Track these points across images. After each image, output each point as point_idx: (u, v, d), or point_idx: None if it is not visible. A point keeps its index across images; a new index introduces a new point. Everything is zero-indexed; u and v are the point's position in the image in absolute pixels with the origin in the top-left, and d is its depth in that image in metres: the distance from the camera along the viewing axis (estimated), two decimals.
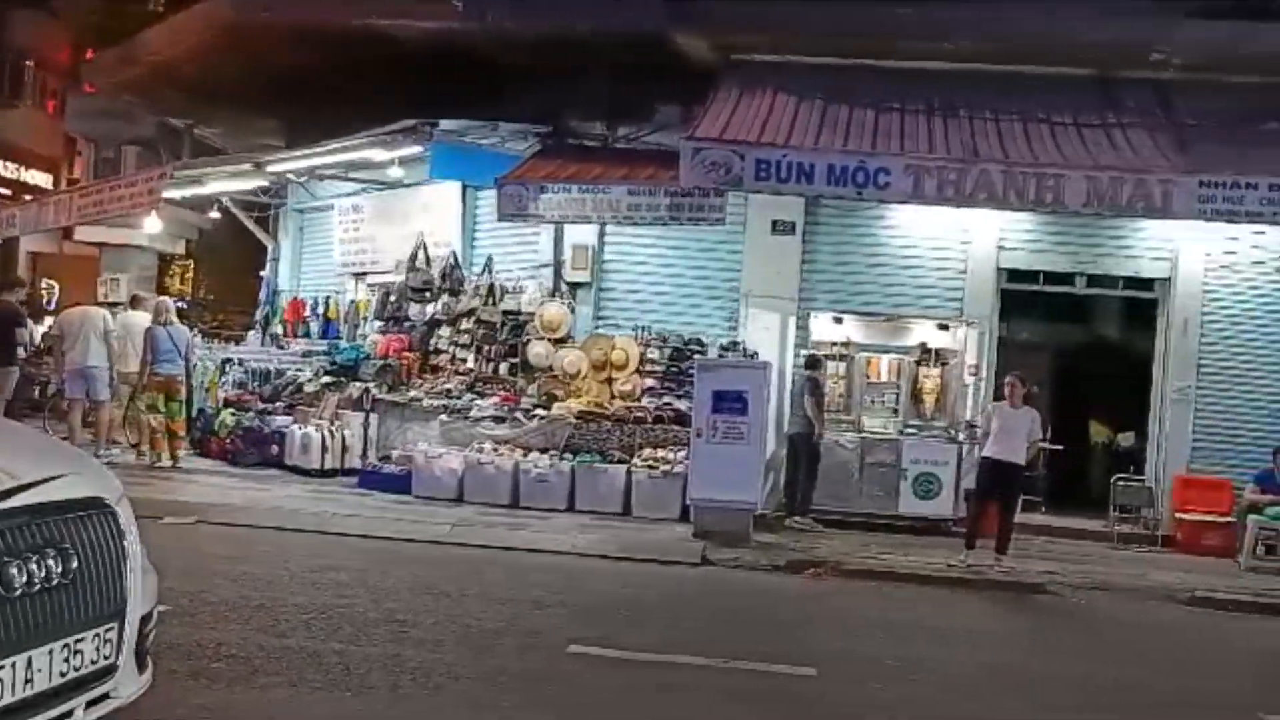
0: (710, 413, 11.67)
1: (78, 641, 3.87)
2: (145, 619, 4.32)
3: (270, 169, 16.54)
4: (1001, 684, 7.41)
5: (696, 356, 13.52)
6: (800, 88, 13.12)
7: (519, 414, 13.72)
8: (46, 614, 3.73)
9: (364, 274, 17.59)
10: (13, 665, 3.56)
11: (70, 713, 3.86)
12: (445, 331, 15.50)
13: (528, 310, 14.72)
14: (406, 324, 15.95)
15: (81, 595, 3.90)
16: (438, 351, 15.54)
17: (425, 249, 15.76)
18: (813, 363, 13.33)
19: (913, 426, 13.73)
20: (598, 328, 14.65)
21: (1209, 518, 13.29)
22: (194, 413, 15.25)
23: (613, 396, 13.93)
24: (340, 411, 14.60)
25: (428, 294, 15.68)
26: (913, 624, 8.97)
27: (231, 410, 15.17)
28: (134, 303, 15.10)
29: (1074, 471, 15.01)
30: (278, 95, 15.80)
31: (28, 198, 21.76)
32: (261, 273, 19.96)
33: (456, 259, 15.58)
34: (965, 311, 13.96)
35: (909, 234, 14.11)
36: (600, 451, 13.06)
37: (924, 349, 13.92)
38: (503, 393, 14.29)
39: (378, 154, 14.91)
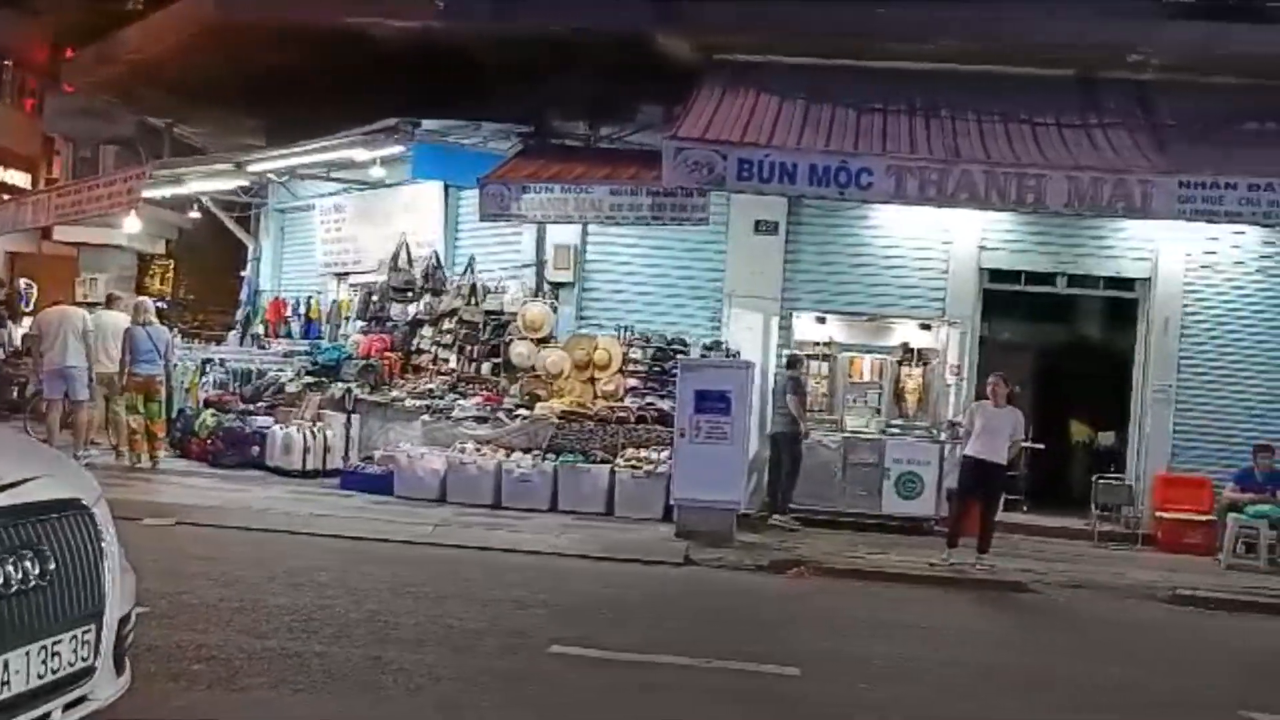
0: (693, 413, 11.66)
1: (55, 644, 3.84)
2: (123, 621, 4.29)
3: (251, 168, 16.46)
4: (984, 682, 7.42)
5: (679, 356, 13.52)
6: (783, 88, 13.13)
7: (501, 414, 13.69)
8: (23, 616, 3.70)
9: (346, 274, 17.53)
10: None
11: (48, 715, 3.83)
12: (427, 331, 15.46)
13: (510, 310, 14.69)
14: (389, 324, 15.90)
15: (59, 597, 3.87)
16: (420, 352, 15.49)
17: (407, 249, 15.70)
18: (793, 362, 13.36)
19: (895, 426, 13.76)
20: (580, 328, 14.63)
21: (1189, 516, 13.36)
22: (174, 413, 15.16)
23: (595, 396, 13.91)
24: (322, 412, 14.53)
25: (410, 294, 15.64)
26: (895, 623, 8.98)
27: (212, 411, 15.08)
28: (109, 302, 14.99)
29: (1055, 470, 15.08)
30: (258, 94, 15.73)
31: (5, 198, 21.59)
32: (242, 273, 19.86)
33: (439, 259, 15.54)
34: (947, 311, 14.00)
35: (891, 234, 14.14)
36: (583, 451, 13.04)
37: (906, 349, 13.96)
38: (485, 393, 14.26)
39: (359, 154, 14.86)
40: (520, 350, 14.31)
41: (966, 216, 13.46)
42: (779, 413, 13.15)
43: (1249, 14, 12.64)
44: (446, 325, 15.24)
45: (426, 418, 13.86)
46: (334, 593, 8.24)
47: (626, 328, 14.35)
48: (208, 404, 15.43)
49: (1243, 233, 13.55)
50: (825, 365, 14.05)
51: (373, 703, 5.91)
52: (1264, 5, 12.91)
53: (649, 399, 13.67)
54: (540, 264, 14.83)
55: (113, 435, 14.29)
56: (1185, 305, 13.92)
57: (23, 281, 20.80)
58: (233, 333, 19.01)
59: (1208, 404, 13.90)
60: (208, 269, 23.04)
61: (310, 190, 17.72)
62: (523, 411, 13.65)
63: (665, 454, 12.52)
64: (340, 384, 14.87)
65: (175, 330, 17.08)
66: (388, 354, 15.42)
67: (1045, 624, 9.84)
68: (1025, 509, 14.06)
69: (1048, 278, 14.24)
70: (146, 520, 10.36)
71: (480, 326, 14.89)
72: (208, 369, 16.47)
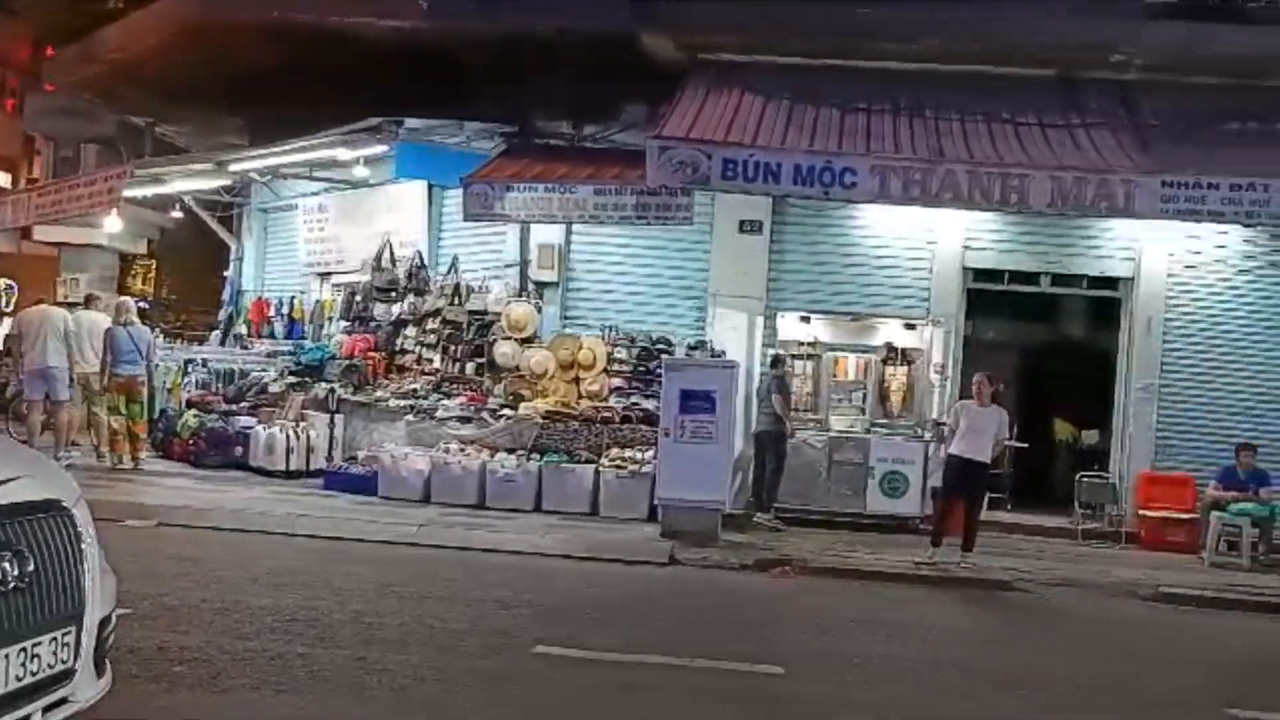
0: (678, 412, 11.65)
1: (35, 645, 3.82)
2: (104, 622, 4.27)
3: (233, 168, 16.39)
4: (969, 681, 7.43)
5: (664, 356, 13.50)
6: (767, 87, 13.13)
7: (485, 414, 13.66)
8: (2, 617, 3.67)
9: (329, 274, 17.47)
10: None
11: (27, 717, 3.81)
12: (411, 331, 15.41)
13: (494, 310, 14.66)
14: (372, 324, 15.85)
15: (38, 598, 3.85)
16: (404, 352, 15.44)
17: (391, 249, 15.66)
18: (777, 361, 13.37)
19: (880, 425, 13.79)
20: (565, 327, 14.61)
21: (1172, 514, 13.41)
22: (155, 414, 15.08)
23: (580, 396, 13.89)
24: (305, 412, 14.47)
25: (393, 294, 15.59)
26: (880, 622, 8.98)
27: (194, 411, 15.00)
28: (88, 302, 14.88)
29: (1039, 469, 15.12)
30: (241, 94, 15.65)
31: None
32: (225, 272, 19.77)
33: (422, 259, 15.50)
34: (932, 311, 14.03)
35: (876, 234, 14.16)
36: (567, 451, 13.02)
37: (891, 348, 14.00)
38: (469, 393, 14.22)
39: (342, 153, 14.81)
40: (504, 350, 14.28)
41: (951, 216, 13.49)
42: (764, 412, 13.15)
43: (1231, 14, 12.70)
44: (430, 325, 15.20)
45: (410, 418, 13.82)
46: (317, 593, 8.20)
47: (611, 327, 14.34)
48: (190, 404, 15.35)
49: (1225, 232, 13.62)
50: (810, 365, 14.08)
51: (356, 703, 5.88)
52: (1245, 6, 12.98)
53: (634, 399, 13.66)
54: (524, 264, 14.81)
55: (93, 436, 14.20)
56: (1168, 304, 13.98)
57: (3, 282, 20.65)
58: (215, 333, 18.91)
59: (1191, 402, 13.96)
60: (190, 269, 22.90)
61: (293, 190, 17.65)
62: (507, 411, 13.62)
63: (650, 454, 12.50)
64: (324, 384, 14.82)
65: (157, 330, 16.97)
66: (371, 354, 15.37)
67: (1030, 622, 9.86)
68: (1009, 507, 14.10)
69: (1032, 277, 14.27)
70: (128, 521, 10.33)
71: (464, 326, 14.86)
72: (190, 369, 16.38)
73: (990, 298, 14.41)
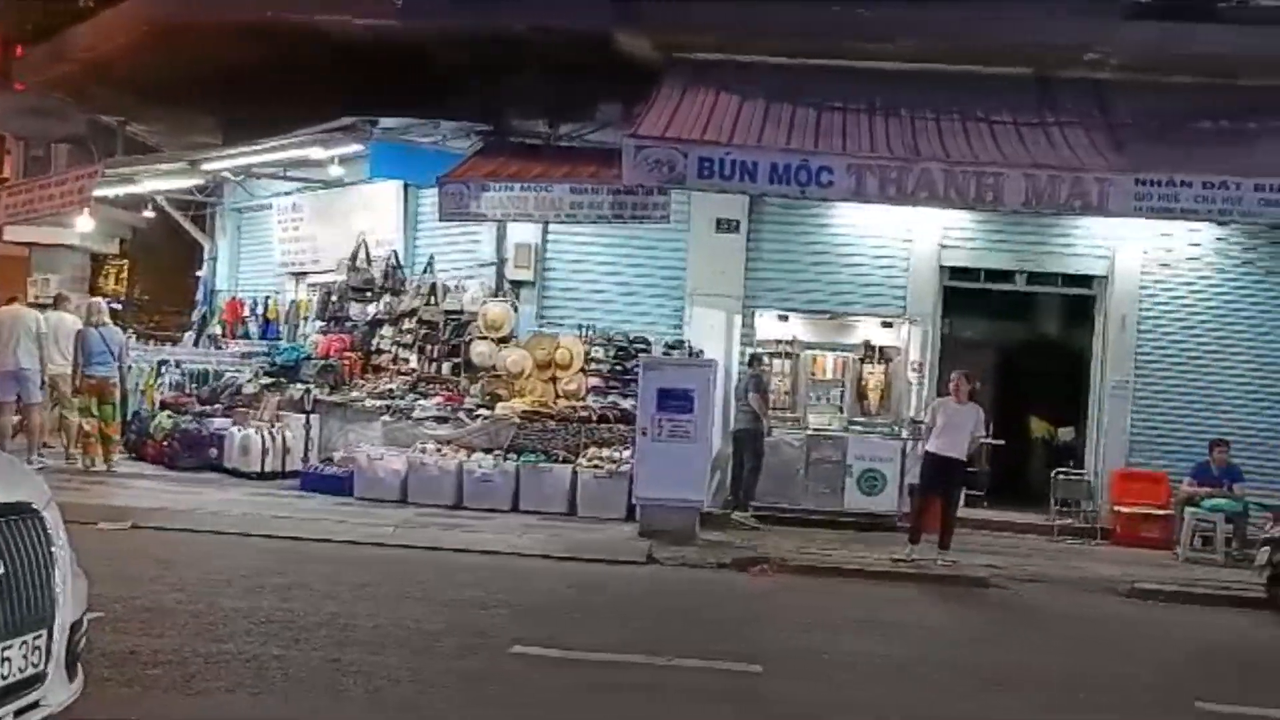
0: (656, 411, 11.63)
1: (4, 649, 3.78)
2: (75, 626, 4.22)
3: (205, 167, 16.28)
4: (946, 677, 7.44)
5: (641, 355, 13.46)
6: (743, 86, 13.13)
7: (462, 414, 13.61)
8: None
9: (304, 274, 17.36)
10: None
11: None
12: (387, 331, 15.33)
13: (470, 309, 14.60)
14: (348, 324, 15.76)
15: (8, 602, 3.81)
16: (380, 352, 15.36)
17: (366, 248, 15.59)
18: (754, 360, 13.39)
19: (857, 423, 13.82)
20: (541, 327, 14.56)
21: (1147, 510, 13.46)
22: (128, 416, 14.96)
23: (557, 396, 13.85)
24: (280, 413, 14.39)
25: (369, 294, 15.52)
26: (857, 619, 9.00)
27: (168, 413, 14.91)
28: (57, 302, 14.74)
29: (1015, 466, 15.18)
30: (214, 92, 15.53)
31: None
32: (198, 272, 19.62)
33: (398, 258, 15.44)
34: (908, 309, 14.06)
35: (853, 232, 14.17)
36: (545, 451, 12.99)
37: (868, 346, 14.03)
38: (446, 393, 14.16)
39: (316, 152, 14.72)
40: (481, 350, 14.24)
41: (927, 215, 13.51)
42: (741, 410, 13.16)
43: (1204, 14, 12.77)
44: (406, 325, 15.14)
45: (387, 418, 13.75)
46: (293, 595, 8.15)
47: (588, 326, 14.31)
48: (163, 406, 15.25)
49: (1198, 230, 13.69)
50: (788, 363, 14.09)
51: (332, 705, 5.84)
52: (1218, 5, 13.05)
53: (611, 398, 13.63)
54: (500, 263, 14.76)
55: (62, 438, 14.07)
56: (1142, 302, 14.04)
57: None
58: (189, 333, 18.77)
59: (1164, 400, 14.03)
60: (163, 269, 22.72)
61: (267, 189, 17.53)
62: (484, 411, 13.57)
63: (628, 453, 12.48)
64: (299, 385, 14.74)
65: (130, 331, 16.83)
66: (347, 354, 15.29)
67: (1006, 619, 9.89)
68: (986, 504, 14.13)
69: (1007, 275, 14.32)
70: (101, 524, 10.26)
71: (440, 326, 14.80)
72: (163, 370, 16.26)
73: (966, 296, 14.45)
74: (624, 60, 13.31)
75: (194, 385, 15.99)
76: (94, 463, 13.49)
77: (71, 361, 13.55)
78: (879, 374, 14.04)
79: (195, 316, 19.13)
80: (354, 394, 14.52)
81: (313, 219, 16.89)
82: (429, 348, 14.86)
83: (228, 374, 15.99)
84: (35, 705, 3.97)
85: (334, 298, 16.01)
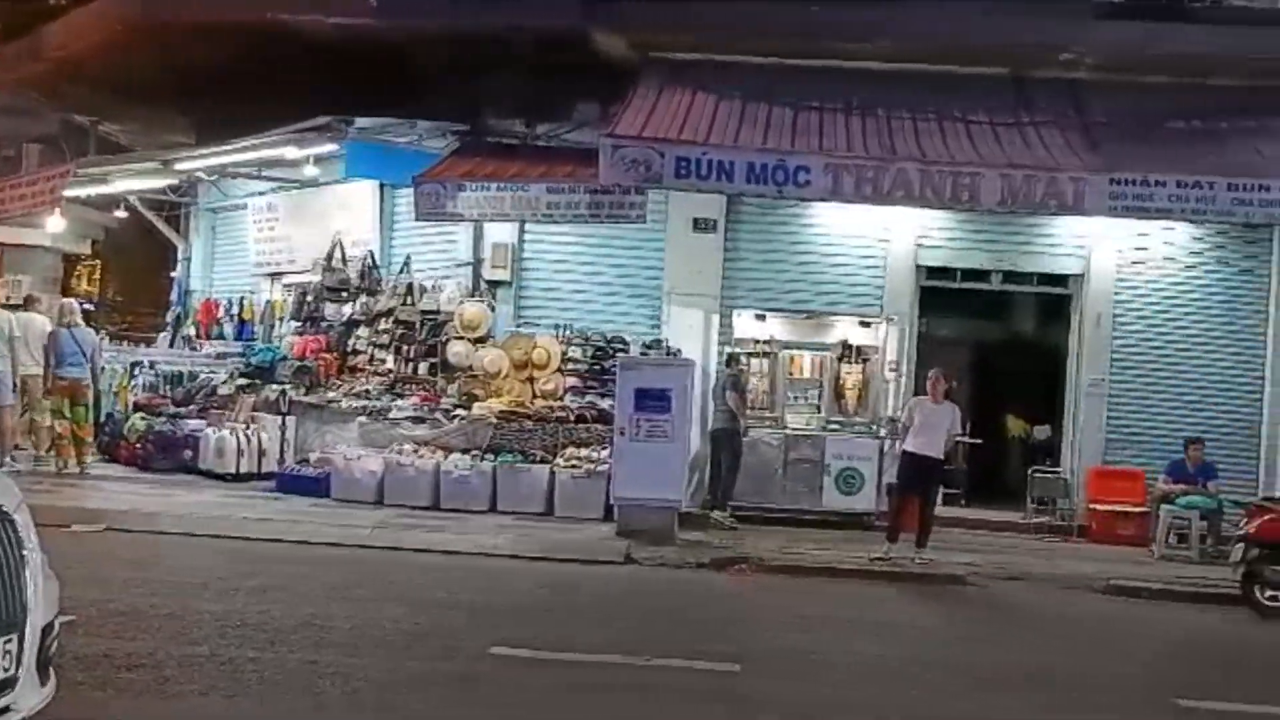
0: (633, 411, 11.61)
1: None
2: (46, 629, 4.18)
3: (179, 167, 16.15)
4: (925, 675, 7.45)
5: (619, 355, 13.45)
6: (720, 86, 13.12)
7: (439, 414, 13.55)
8: None
9: (279, 274, 17.24)
10: None
11: None
12: (363, 332, 15.26)
13: (447, 309, 14.55)
14: (324, 324, 15.67)
15: None
16: (356, 352, 15.29)
17: (341, 248, 15.49)
18: (731, 360, 13.40)
19: (835, 422, 13.82)
20: (518, 327, 14.52)
21: (1123, 508, 13.52)
22: (101, 417, 14.83)
23: (534, 396, 13.81)
24: (256, 414, 14.28)
25: (345, 294, 15.43)
26: (835, 618, 9.02)
27: (142, 414, 14.77)
28: (28, 303, 14.60)
29: (992, 465, 15.23)
30: (188, 92, 15.42)
31: None
32: (172, 273, 19.48)
33: (374, 258, 15.36)
34: (885, 308, 14.08)
35: (830, 232, 14.19)
36: (522, 451, 12.93)
37: (845, 346, 14.03)
38: (422, 393, 14.10)
39: (291, 152, 14.63)
40: (457, 350, 14.18)
41: (903, 214, 13.54)
42: (719, 410, 13.15)
43: (1177, 14, 12.86)
44: (383, 325, 15.07)
45: (363, 419, 13.67)
46: (268, 597, 8.09)
47: (565, 326, 14.28)
48: (137, 407, 15.12)
49: (1172, 229, 13.77)
50: (765, 363, 14.09)
51: (309, 707, 5.80)
52: (1191, 6, 13.15)
53: (588, 398, 13.60)
54: (477, 263, 14.71)
55: (33, 440, 13.93)
56: (1117, 301, 14.12)
57: None
58: (163, 334, 18.63)
59: (1140, 398, 14.11)
60: (136, 269, 22.58)
61: (242, 189, 17.42)
62: (461, 412, 13.52)
63: (605, 453, 12.45)
64: (274, 386, 14.63)
65: (103, 332, 16.69)
66: (323, 355, 15.20)
67: (984, 617, 9.93)
68: (964, 503, 14.19)
69: (983, 275, 14.37)
70: (74, 527, 10.19)
71: (417, 326, 14.74)
72: (137, 371, 16.12)
73: (943, 295, 14.49)
74: (601, 60, 13.30)
75: (168, 386, 15.85)
76: (66, 465, 13.35)
77: (43, 363, 13.40)
78: (856, 373, 14.05)
79: (169, 317, 18.99)
80: (330, 395, 14.43)
81: (288, 219, 16.78)
82: (405, 348, 14.79)
83: (202, 375, 15.86)
84: (6, 710, 3.93)
85: (309, 298, 15.91)
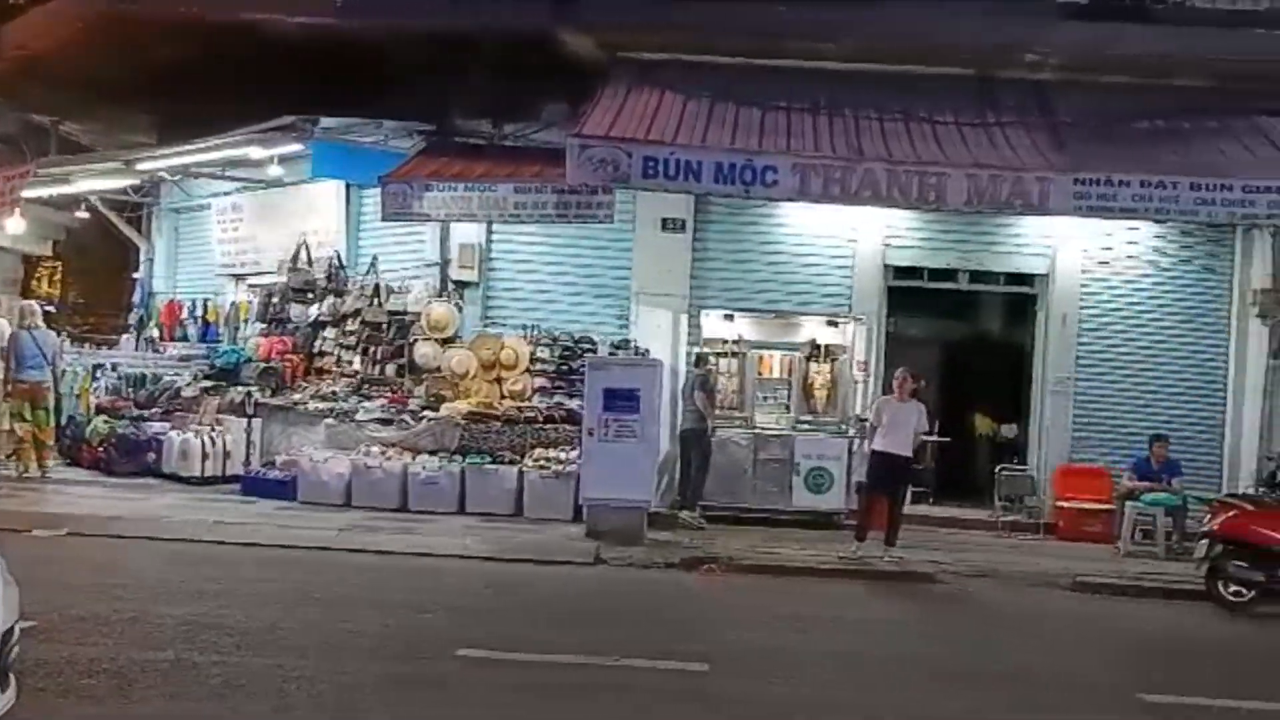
0: (602, 411, 11.59)
1: None
2: (6, 635, 4.13)
3: (141, 167, 16.01)
4: (893, 673, 7.48)
5: (587, 355, 13.42)
6: (687, 86, 13.11)
7: (406, 416, 13.46)
8: None
9: (244, 275, 17.10)
10: None
11: None
12: (330, 333, 15.15)
13: (414, 310, 14.47)
14: (289, 325, 15.55)
15: None
16: (322, 354, 15.18)
17: (307, 249, 15.40)
18: (700, 360, 13.40)
19: (804, 422, 13.84)
20: (486, 327, 14.46)
21: (1089, 505, 13.62)
22: (63, 420, 14.64)
23: (503, 396, 13.75)
24: (221, 416, 14.17)
25: (310, 295, 15.33)
26: (804, 617, 9.01)
27: (104, 417, 14.61)
28: None
29: (960, 463, 15.27)
30: (150, 91, 15.22)
31: None
32: (135, 274, 19.28)
33: (340, 259, 15.26)
34: (853, 308, 14.12)
35: (798, 232, 14.21)
36: (490, 452, 12.89)
37: (814, 345, 14.04)
38: (390, 394, 14.02)
39: (255, 152, 14.52)
40: (425, 351, 14.11)
41: (871, 214, 13.58)
42: (688, 410, 13.14)
43: (1141, 15, 12.96)
44: (349, 326, 14.97)
45: (330, 421, 13.57)
46: (233, 601, 8.01)
47: (533, 327, 14.24)
48: (99, 410, 14.94)
49: (1137, 229, 13.90)
50: (734, 362, 14.09)
51: (274, 711, 5.74)
52: (1154, 7, 13.26)
53: (557, 398, 13.57)
54: (444, 263, 14.63)
55: None
56: (1082, 300, 14.22)
57: None
58: (125, 336, 18.43)
59: (1105, 396, 14.22)
60: (98, 271, 22.32)
61: (205, 189, 17.27)
62: (428, 413, 13.44)
63: (574, 453, 12.42)
64: (240, 388, 14.52)
65: (64, 334, 16.49)
66: (289, 356, 15.09)
67: (952, 614, 9.97)
68: (932, 501, 14.24)
69: (950, 274, 14.44)
70: (35, 531, 10.10)
71: (384, 327, 14.65)
72: (99, 374, 15.93)
73: (910, 295, 14.54)
74: (568, 60, 13.25)
75: (131, 389, 15.68)
76: (27, 469, 13.19)
77: (3, 366, 13.21)
78: (825, 373, 14.08)
79: (132, 319, 18.80)
80: (296, 396, 14.32)
81: (252, 219, 16.64)
82: (372, 349, 14.70)
83: (166, 377, 15.72)
84: None
85: (275, 299, 15.80)
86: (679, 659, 7.16)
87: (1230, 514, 10.66)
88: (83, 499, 12.20)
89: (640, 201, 13.74)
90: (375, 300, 14.80)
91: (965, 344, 15.84)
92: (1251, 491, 12.38)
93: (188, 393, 14.94)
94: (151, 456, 13.94)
